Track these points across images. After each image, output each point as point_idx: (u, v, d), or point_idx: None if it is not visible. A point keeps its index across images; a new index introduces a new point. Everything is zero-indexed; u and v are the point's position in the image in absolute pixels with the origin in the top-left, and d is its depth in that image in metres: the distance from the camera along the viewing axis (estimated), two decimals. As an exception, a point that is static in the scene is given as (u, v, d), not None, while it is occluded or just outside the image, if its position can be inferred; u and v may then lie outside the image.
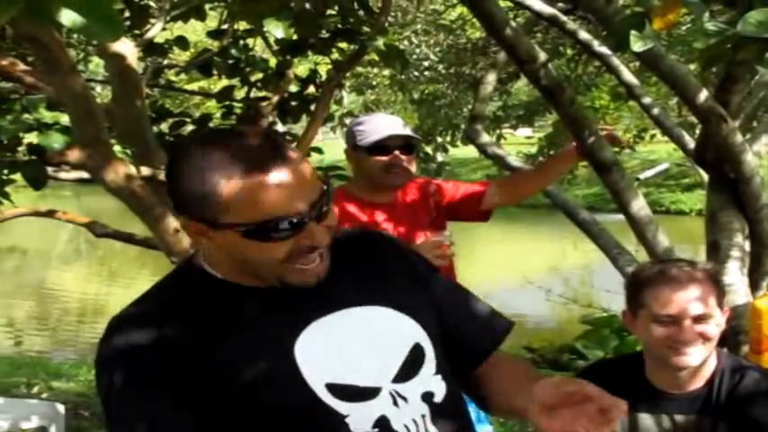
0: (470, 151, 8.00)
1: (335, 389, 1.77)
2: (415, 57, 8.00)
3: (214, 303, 1.83)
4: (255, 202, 1.66)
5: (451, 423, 1.88)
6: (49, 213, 5.62)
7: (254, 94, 5.89)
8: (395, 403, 1.80)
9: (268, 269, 1.76)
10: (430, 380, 1.87)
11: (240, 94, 5.91)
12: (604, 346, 8.70)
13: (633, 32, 2.66)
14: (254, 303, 1.83)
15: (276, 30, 4.31)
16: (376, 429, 1.77)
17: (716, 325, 2.84)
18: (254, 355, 1.79)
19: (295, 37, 4.80)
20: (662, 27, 2.63)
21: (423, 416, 1.82)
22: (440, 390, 1.87)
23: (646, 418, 2.93)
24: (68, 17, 1.60)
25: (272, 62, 5.69)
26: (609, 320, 8.96)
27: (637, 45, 2.66)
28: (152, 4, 5.39)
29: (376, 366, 1.82)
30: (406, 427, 1.79)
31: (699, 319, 2.80)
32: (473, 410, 4.16)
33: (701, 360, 2.85)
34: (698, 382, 2.89)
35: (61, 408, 5.58)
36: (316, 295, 1.82)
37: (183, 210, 1.76)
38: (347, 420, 1.76)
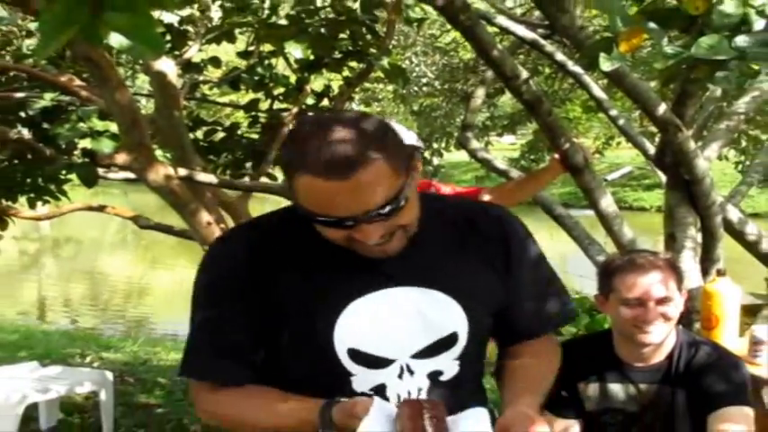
0: (462, 155, 7.98)
1: (355, 353, 1.78)
2: (414, 74, 8.01)
3: (302, 246, 1.82)
4: (307, 197, 1.65)
5: (447, 399, 1.77)
6: (100, 208, 5.62)
7: (276, 105, 5.89)
8: (400, 375, 1.80)
9: (336, 242, 1.73)
10: (446, 362, 1.84)
11: (264, 105, 5.90)
12: (577, 324, 8.68)
13: (602, 54, 2.66)
14: (331, 257, 1.79)
15: (295, 51, 4.33)
16: (371, 392, 1.76)
17: (675, 306, 2.85)
18: (308, 303, 1.80)
19: (312, 57, 4.83)
20: (627, 50, 2.62)
21: (419, 389, 1.80)
22: (450, 371, 1.85)
23: (614, 387, 2.94)
24: (116, 39, 1.60)
25: (292, 78, 5.68)
26: (581, 301, 8.94)
27: (605, 65, 2.66)
28: (190, 29, 5.39)
29: (402, 343, 1.80)
30: (398, 395, 1.78)
31: (661, 301, 2.82)
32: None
33: (662, 337, 2.86)
34: (660, 356, 2.91)
35: (110, 375, 5.58)
36: (384, 268, 1.79)
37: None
38: (351, 379, 1.79)
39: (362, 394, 1.76)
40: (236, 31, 5.31)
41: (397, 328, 1.79)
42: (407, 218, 1.71)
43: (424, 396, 1.79)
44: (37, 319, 12.68)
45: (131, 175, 4.45)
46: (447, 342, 1.82)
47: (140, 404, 6.34)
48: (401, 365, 1.80)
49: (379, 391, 1.78)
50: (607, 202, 4.28)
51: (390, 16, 5.00)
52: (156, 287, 16.01)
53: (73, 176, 5.30)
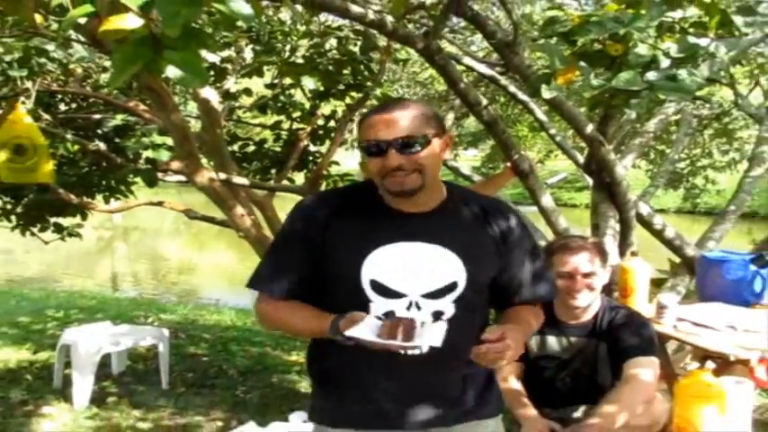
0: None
1: (375, 284, 1.85)
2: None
3: (353, 208, 1.96)
4: (362, 130, 1.90)
5: (447, 335, 1.79)
6: (159, 203, 5.60)
7: (295, 126, 5.89)
8: (408, 308, 1.85)
9: (376, 180, 1.87)
10: (446, 304, 1.87)
11: (285, 125, 5.92)
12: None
13: (544, 86, 2.67)
14: (372, 216, 1.93)
15: (310, 83, 4.36)
16: (383, 316, 1.81)
17: (599, 279, 2.88)
18: (351, 249, 1.89)
19: (322, 88, 4.84)
20: (563, 83, 2.62)
21: (422, 323, 1.81)
22: (449, 311, 1.88)
23: (551, 339, 2.96)
24: (172, 72, 1.61)
25: (307, 105, 5.69)
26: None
27: (546, 94, 2.67)
28: (228, 66, 5.39)
29: (415, 283, 1.86)
30: (384, 314, 1.86)
31: (587, 275, 2.85)
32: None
33: (587, 302, 2.89)
34: (587, 316, 2.93)
35: (166, 332, 5.57)
36: (415, 227, 1.90)
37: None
38: (370, 305, 1.85)
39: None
40: (264, 68, 5.32)
41: (413, 272, 1.86)
42: (423, 162, 1.82)
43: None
44: (110, 289, 12.64)
45: (183, 178, 4.44)
46: (449, 288, 1.87)
47: (189, 354, 6.34)
48: (411, 301, 1.85)
49: (389, 315, 1.84)
50: (547, 200, 4.31)
51: (382, 57, 5.00)
52: (202, 265, 16.09)
53: (138, 179, 5.32)
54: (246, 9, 1.56)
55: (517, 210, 2.14)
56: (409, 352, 1.77)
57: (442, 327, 1.78)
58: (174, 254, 17.75)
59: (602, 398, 2.74)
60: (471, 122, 8.66)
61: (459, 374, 1.94)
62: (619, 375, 2.78)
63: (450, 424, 1.96)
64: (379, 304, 1.84)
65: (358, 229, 1.91)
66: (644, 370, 2.71)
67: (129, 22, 1.57)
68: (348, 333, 1.72)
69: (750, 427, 2.16)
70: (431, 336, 1.74)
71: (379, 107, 1.97)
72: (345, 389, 1.96)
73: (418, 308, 1.84)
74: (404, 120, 1.82)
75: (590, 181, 4.51)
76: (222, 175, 4.07)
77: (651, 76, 2.54)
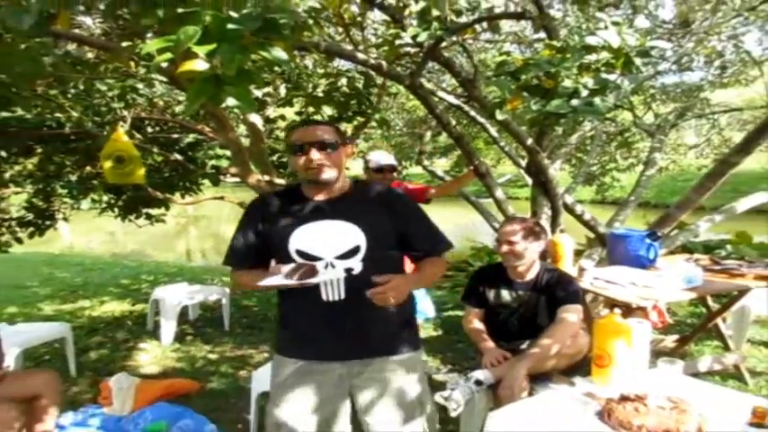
0: (418, 170, 7.93)
1: (299, 252, 1.88)
2: (393, 124, 7.93)
3: (284, 201, 2.00)
4: (292, 136, 1.96)
5: (356, 286, 1.84)
6: (221, 198, 5.53)
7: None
8: (326, 267, 1.86)
9: (300, 173, 1.94)
10: (355, 263, 1.87)
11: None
12: (482, 260, 8.66)
13: (497, 110, 2.64)
14: (301, 206, 1.95)
15: (328, 110, 4.29)
16: (314, 279, 1.82)
17: (521, 247, 2.84)
18: (281, 229, 1.92)
19: (336, 114, 4.78)
20: (511, 108, 2.60)
21: (338, 278, 1.85)
22: (358, 268, 1.87)
23: (504, 292, 2.95)
24: (231, 101, 1.59)
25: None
26: (481, 248, 8.93)
27: (499, 116, 2.65)
28: (268, 99, 5.33)
29: (328, 249, 1.87)
30: (326, 279, 1.85)
31: (510, 243, 2.86)
32: (422, 303, 4.07)
33: (515, 264, 2.88)
34: (530, 276, 2.92)
35: (227, 289, 5.57)
36: (323, 209, 1.93)
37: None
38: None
39: None
40: (293, 100, 5.27)
41: (326, 241, 1.88)
42: (332, 161, 1.91)
43: (341, 283, 1.87)
44: (185, 260, 12.63)
45: (238, 180, 4.41)
46: (353, 251, 1.88)
47: (243, 306, 6.34)
48: (327, 262, 1.86)
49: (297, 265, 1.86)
50: (499, 194, 4.29)
51: (379, 91, 4.97)
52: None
53: (205, 181, 5.30)
54: (283, 56, 1.54)
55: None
56: (310, 283, 1.82)
57: (339, 275, 1.84)
58: (230, 234, 17.61)
59: (540, 334, 2.73)
60: (443, 138, 8.56)
61: (373, 317, 1.91)
62: (553, 318, 2.77)
63: (363, 356, 1.94)
64: None
65: (286, 214, 1.94)
66: (571, 314, 2.71)
67: (199, 65, 1.55)
68: (260, 283, 1.82)
69: (648, 355, 2.15)
70: (332, 285, 1.85)
71: (304, 121, 2.10)
72: (290, 327, 1.99)
73: (333, 266, 1.86)
74: (319, 130, 1.92)
75: (529, 180, 4.49)
76: (266, 178, 4.03)
77: (574, 102, 2.52)
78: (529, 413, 1.87)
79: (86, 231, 14.77)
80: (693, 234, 4.58)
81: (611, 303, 3.72)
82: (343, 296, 1.85)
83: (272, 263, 1.94)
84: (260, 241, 1.97)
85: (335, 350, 1.92)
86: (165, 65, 1.61)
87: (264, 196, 2.10)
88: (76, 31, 3.17)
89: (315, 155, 1.88)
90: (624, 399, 1.81)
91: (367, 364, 1.94)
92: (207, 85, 1.59)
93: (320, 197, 1.94)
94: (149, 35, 2.27)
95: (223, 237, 17.08)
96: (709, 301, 3.79)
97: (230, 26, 1.50)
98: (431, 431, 2.03)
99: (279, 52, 1.54)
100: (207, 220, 19.75)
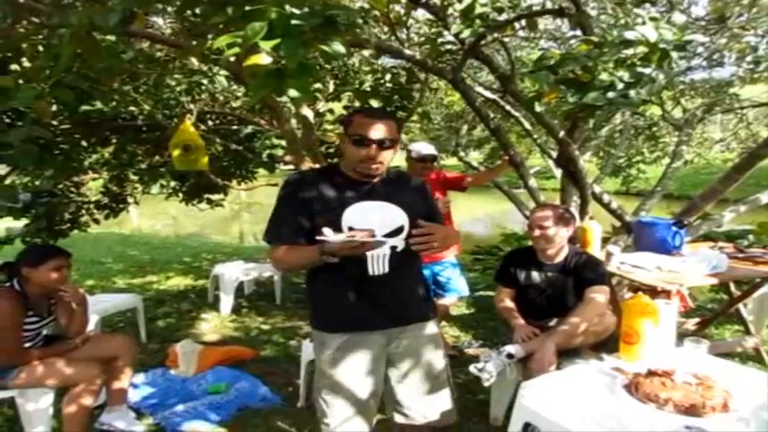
0: (454, 160, 7.86)
1: (351, 229, 1.82)
2: (433, 117, 7.84)
3: (332, 180, 1.91)
4: (361, 127, 1.84)
5: (398, 261, 1.87)
6: (275, 185, 5.61)
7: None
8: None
9: (352, 162, 1.87)
10: (399, 241, 1.88)
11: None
12: (511, 244, 8.53)
13: (536, 102, 2.61)
14: (348, 186, 1.90)
15: (374, 103, 4.28)
16: (383, 239, 1.82)
17: (552, 232, 2.80)
18: (332, 205, 1.86)
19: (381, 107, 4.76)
20: (548, 100, 2.57)
21: (385, 254, 1.86)
22: (401, 246, 1.88)
23: (534, 273, 2.91)
24: (292, 93, 1.61)
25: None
26: (511, 234, 8.82)
27: (538, 108, 2.61)
28: (318, 94, 5.36)
29: (378, 227, 1.83)
30: (373, 255, 1.85)
31: (541, 227, 2.80)
32: (456, 282, 4.04)
33: (544, 248, 2.83)
34: (559, 258, 2.87)
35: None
36: (371, 191, 1.90)
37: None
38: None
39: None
40: (341, 95, 5.27)
41: (375, 220, 1.86)
42: (386, 159, 1.88)
43: (386, 258, 1.87)
44: (239, 242, 12.84)
45: (292, 168, 4.43)
46: (399, 230, 1.89)
47: (293, 282, 6.39)
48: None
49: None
50: (532, 183, 4.21)
51: (422, 86, 4.94)
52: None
53: (260, 169, 5.38)
54: (342, 50, 1.55)
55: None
56: (367, 253, 1.82)
57: (386, 251, 1.85)
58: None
59: (569, 313, 2.70)
60: (477, 132, 8.43)
61: (407, 288, 1.96)
62: (581, 299, 2.73)
63: (400, 324, 1.97)
64: None
65: (334, 193, 1.88)
66: (598, 295, 2.67)
67: (263, 59, 1.58)
68: (322, 237, 1.72)
69: (674, 334, 2.10)
70: (378, 260, 1.84)
71: (371, 110, 2.00)
72: (333, 303, 1.93)
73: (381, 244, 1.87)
74: (386, 125, 1.85)
75: (557, 172, 4.40)
76: (316, 166, 4.06)
77: (610, 95, 2.47)
78: (559, 384, 1.86)
79: (152, 215, 15.18)
80: (717, 224, 4.44)
81: (635, 287, 3.67)
82: (387, 270, 1.87)
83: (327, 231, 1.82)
84: (303, 218, 1.87)
85: (378, 320, 1.93)
86: (232, 59, 1.64)
87: (303, 174, 2.01)
88: (149, 30, 3.25)
89: (375, 153, 1.83)
90: (651, 374, 1.78)
91: (402, 331, 1.97)
92: (270, 78, 1.61)
93: (363, 179, 1.92)
94: (212, 34, 2.31)
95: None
96: (732, 287, 3.68)
97: (294, 22, 1.52)
98: (452, 395, 2.08)
99: (338, 46, 1.55)
100: (259, 206, 19.99)
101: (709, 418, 1.54)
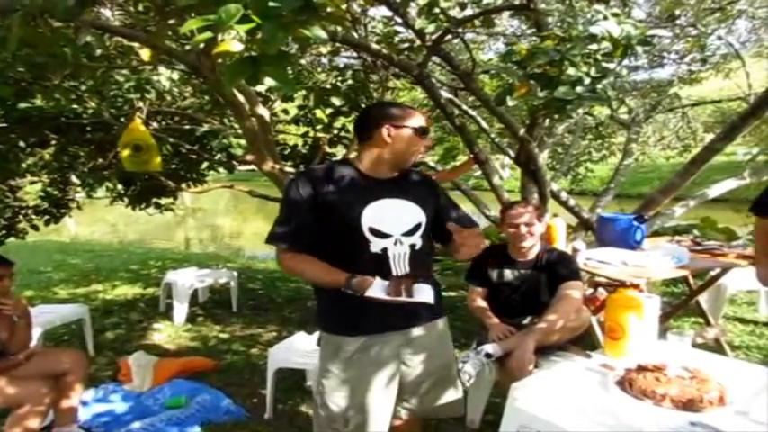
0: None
1: (371, 229, 1.78)
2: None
3: (345, 177, 1.83)
4: (420, 122, 1.85)
5: (418, 260, 1.83)
6: (230, 186, 5.38)
7: (316, 135, 5.66)
8: (395, 243, 1.80)
9: (408, 152, 1.85)
10: (417, 239, 1.83)
11: (311, 134, 5.70)
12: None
13: (508, 97, 2.56)
14: (365, 183, 1.83)
15: (336, 101, 4.15)
16: (381, 251, 1.77)
17: (536, 229, 2.79)
18: (350, 205, 1.78)
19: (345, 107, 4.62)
20: (519, 96, 2.52)
21: (405, 253, 1.80)
22: (419, 244, 1.84)
23: (507, 271, 2.87)
24: (268, 81, 1.48)
25: (325, 120, 5.45)
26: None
27: (510, 102, 2.57)
28: (270, 95, 5.17)
29: (397, 226, 1.80)
30: (395, 255, 1.79)
31: (528, 225, 2.76)
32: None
33: (530, 245, 2.81)
34: (531, 255, 2.85)
35: (235, 273, 5.46)
36: (388, 188, 1.84)
37: (380, 124, 1.82)
38: (369, 244, 1.78)
39: (376, 254, 1.78)
40: (294, 96, 5.09)
41: (394, 218, 1.81)
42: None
43: (407, 258, 1.81)
44: (185, 248, 12.44)
45: (253, 167, 4.22)
46: (417, 227, 1.84)
47: (249, 289, 6.22)
48: (395, 239, 1.80)
49: (384, 251, 1.79)
50: (497, 181, 4.18)
51: (383, 85, 4.85)
52: (245, 231, 15.57)
53: (211, 172, 5.16)
54: (323, 34, 1.45)
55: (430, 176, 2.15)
56: (389, 253, 1.78)
57: (428, 289, 1.78)
58: (226, 224, 17.32)
59: (542, 311, 2.66)
60: (429, 133, 8.30)
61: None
62: (554, 296, 2.70)
63: (417, 323, 1.92)
64: (374, 244, 1.78)
65: (350, 191, 1.80)
66: (573, 290, 2.65)
67: (234, 46, 1.46)
68: (367, 294, 1.68)
69: (657, 327, 2.09)
70: (423, 292, 1.76)
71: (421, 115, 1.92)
72: (352, 305, 1.81)
73: (401, 243, 1.81)
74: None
75: (518, 169, 4.39)
76: (277, 166, 3.90)
77: (579, 89, 2.45)
78: (551, 384, 1.80)
79: (90, 222, 14.52)
80: (670, 218, 4.56)
81: (595, 283, 3.71)
82: (408, 269, 1.81)
83: (376, 279, 1.74)
84: (315, 218, 1.77)
85: (398, 321, 1.87)
86: (202, 45, 1.50)
87: (311, 171, 1.89)
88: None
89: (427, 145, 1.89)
90: (642, 369, 1.75)
91: (420, 330, 1.93)
92: (245, 66, 1.49)
93: (380, 176, 1.85)
94: (172, 20, 2.14)
95: (219, 227, 16.91)
96: (690, 279, 3.76)
97: (272, 4, 1.39)
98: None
99: (318, 31, 1.44)
100: (203, 212, 19.49)
101: (708, 413, 1.51)
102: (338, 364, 1.85)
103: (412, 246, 1.82)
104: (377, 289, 1.70)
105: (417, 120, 1.84)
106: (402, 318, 1.87)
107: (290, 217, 1.81)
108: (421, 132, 1.84)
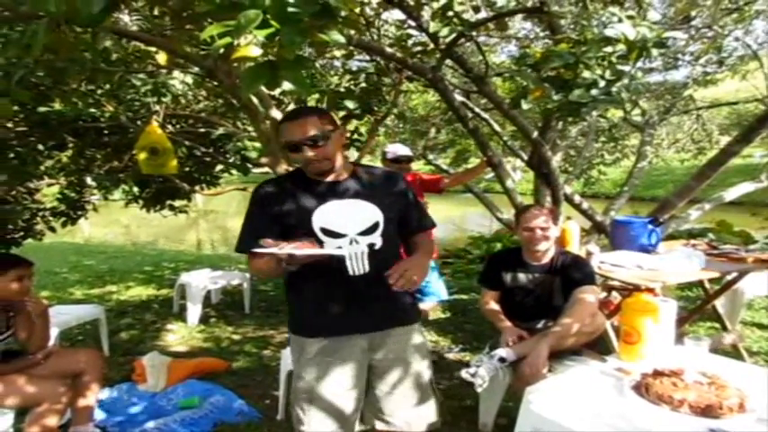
0: (419, 164, 7.80)
1: (324, 230, 1.78)
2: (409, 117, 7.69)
3: (298, 184, 1.84)
4: (283, 133, 1.80)
5: (379, 259, 1.80)
6: (244, 189, 5.37)
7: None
8: (350, 243, 1.79)
9: (302, 165, 1.84)
10: (377, 238, 1.82)
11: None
12: (480, 247, 8.54)
13: (522, 100, 2.56)
14: (317, 188, 1.83)
15: (350, 104, 4.16)
16: (337, 251, 1.74)
17: (552, 232, 2.78)
18: (301, 208, 1.80)
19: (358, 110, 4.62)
20: (534, 98, 2.52)
21: (362, 252, 1.79)
22: (379, 243, 1.82)
23: (521, 275, 2.87)
24: (287, 86, 1.50)
25: (338, 123, 5.44)
26: (481, 237, 8.84)
27: (525, 105, 2.57)
28: (284, 98, 5.17)
29: (351, 225, 1.80)
30: (351, 254, 1.78)
31: (543, 229, 2.75)
32: (435, 285, 3.98)
33: (545, 248, 2.80)
34: (546, 259, 2.84)
35: (247, 275, 5.48)
36: (338, 189, 1.84)
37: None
38: (324, 244, 1.77)
39: (331, 254, 1.77)
40: (307, 98, 5.10)
41: (348, 219, 1.81)
42: (325, 154, 1.78)
43: (365, 257, 1.79)
44: (197, 249, 12.49)
45: (266, 170, 4.24)
46: (374, 227, 1.83)
47: (262, 290, 6.25)
48: (351, 238, 1.80)
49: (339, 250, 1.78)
50: (510, 183, 4.18)
51: (396, 88, 4.85)
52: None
53: (225, 174, 5.18)
54: (341, 38, 1.46)
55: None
56: (345, 253, 1.76)
57: (363, 249, 1.79)
58: (237, 226, 17.12)
59: (556, 315, 2.66)
60: (442, 136, 8.35)
61: (391, 289, 1.77)
62: (568, 300, 2.69)
63: (384, 327, 1.90)
64: (328, 244, 1.79)
65: (303, 195, 1.82)
66: (588, 295, 2.63)
67: (253, 51, 1.48)
68: (291, 251, 1.63)
69: (674, 332, 2.08)
70: (357, 259, 1.78)
71: (290, 114, 1.87)
72: (313, 306, 1.87)
73: (357, 242, 1.80)
74: (309, 125, 1.76)
75: (531, 172, 4.39)
76: (291, 168, 3.91)
77: (594, 92, 2.45)
78: (566, 387, 1.80)
79: (104, 224, 14.63)
80: (685, 221, 4.53)
81: (609, 287, 3.68)
82: (367, 269, 1.80)
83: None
84: (276, 224, 1.80)
85: (360, 323, 1.86)
86: (221, 50, 1.52)
87: (271, 181, 1.92)
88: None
89: (309, 153, 1.77)
90: (658, 374, 1.73)
91: (387, 335, 1.90)
92: (263, 71, 1.50)
93: (330, 178, 1.86)
94: (188, 26, 2.17)
95: (231, 229, 16.97)
96: (706, 283, 3.73)
97: (290, 10, 1.41)
98: (438, 408, 2.02)
99: (336, 35, 1.45)
100: (215, 213, 19.58)
101: (727, 420, 1.50)
102: (302, 366, 1.87)
103: (371, 245, 1.81)
104: (289, 248, 1.65)
105: (285, 135, 1.80)
106: (367, 320, 1.86)
107: (248, 225, 1.85)
108: (290, 149, 1.81)
